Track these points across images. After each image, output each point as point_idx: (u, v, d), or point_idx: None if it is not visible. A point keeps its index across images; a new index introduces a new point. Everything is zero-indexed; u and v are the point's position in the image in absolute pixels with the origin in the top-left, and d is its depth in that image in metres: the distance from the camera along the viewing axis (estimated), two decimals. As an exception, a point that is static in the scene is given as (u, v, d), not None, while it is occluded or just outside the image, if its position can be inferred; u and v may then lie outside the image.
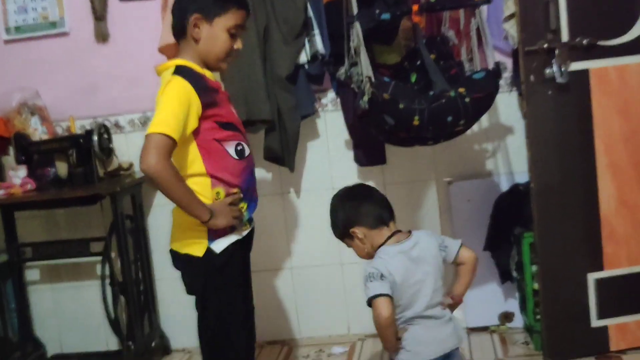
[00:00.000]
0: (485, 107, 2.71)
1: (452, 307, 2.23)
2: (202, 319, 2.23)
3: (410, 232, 2.23)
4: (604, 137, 2.87)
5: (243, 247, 2.27)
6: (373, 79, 2.58)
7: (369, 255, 2.21)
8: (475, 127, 3.26)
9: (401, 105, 2.53)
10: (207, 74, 2.23)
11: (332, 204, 2.30)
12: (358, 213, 2.21)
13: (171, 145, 2.04)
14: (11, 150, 3.42)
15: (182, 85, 2.10)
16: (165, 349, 3.58)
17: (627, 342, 2.96)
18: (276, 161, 3.29)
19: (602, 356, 2.93)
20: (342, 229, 2.23)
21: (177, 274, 2.27)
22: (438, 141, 2.80)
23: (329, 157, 3.45)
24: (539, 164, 2.86)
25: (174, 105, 2.06)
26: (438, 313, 2.15)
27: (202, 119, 2.12)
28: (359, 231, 2.19)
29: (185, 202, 2.08)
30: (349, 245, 2.27)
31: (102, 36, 3.44)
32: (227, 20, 2.17)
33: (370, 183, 3.41)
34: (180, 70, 2.15)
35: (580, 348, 2.94)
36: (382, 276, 2.08)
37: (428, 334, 2.13)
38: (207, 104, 2.12)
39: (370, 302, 2.09)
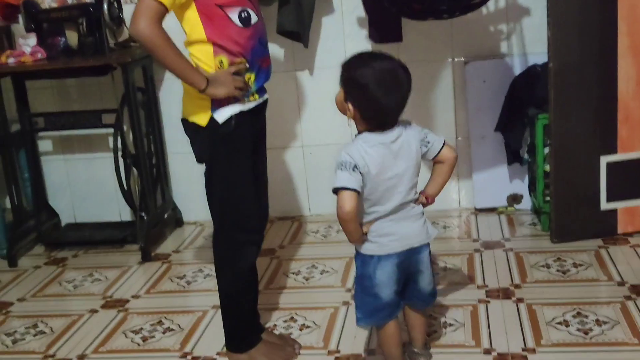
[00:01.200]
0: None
1: (424, 206, 2.12)
2: (210, 187, 2.24)
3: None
4: (627, 17, 2.79)
5: (254, 117, 2.24)
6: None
7: (341, 111, 2.04)
8: (493, 6, 3.18)
9: None
10: None
11: (371, 65, 1.95)
12: (369, 102, 1.95)
13: (162, 10, 1.99)
14: (20, 19, 3.36)
15: None
16: (178, 221, 3.65)
17: (635, 225, 2.99)
18: (290, 36, 3.23)
19: (609, 238, 2.97)
20: (346, 85, 1.98)
21: (189, 147, 2.26)
22: (453, 15, 2.72)
23: (343, 33, 3.38)
24: (558, 43, 2.79)
25: None
26: (409, 209, 2.06)
27: None
28: (353, 112, 1.98)
29: (178, 68, 2.04)
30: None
31: None
32: None
33: (385, 61, 3.36)
34: None
35: (587, 230, 2.98)
36: (355, 167, 1.94)
37: (394, 228, 2.03)
38: None
39: (335, 192, 1.97)
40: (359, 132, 2.02)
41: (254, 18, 2.14)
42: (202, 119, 2.14)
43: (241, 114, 2.16)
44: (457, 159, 2.11)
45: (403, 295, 2.13)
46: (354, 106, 1.96)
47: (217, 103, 2.12)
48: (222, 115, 2.13)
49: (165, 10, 2.00)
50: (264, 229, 2.41)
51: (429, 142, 2.04)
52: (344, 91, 1.99)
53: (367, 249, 2.04)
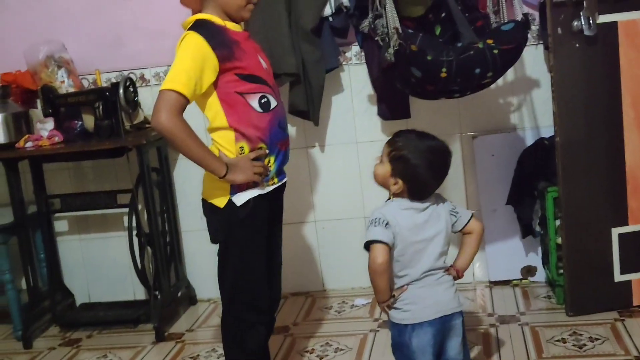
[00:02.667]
0: (513, 59, 2.68)
1: (454, 278, 2.18)
2: (222, 269, 2.26)
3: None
4: (631, 90, 2.84)
5: (271, 200, 2.28)
6: (400, 30, 2.55)
7: (379, 183, 2.15)
8: (500, 81, 3.24)
9: (429, 57, 2.51)
10: (230, 25, 2.22)
11: (424, 146, 2.09)
12: (421, 183, 2.08)
13: (182, 101, 2.06)
14: (38, 103, 3.46)
15: (195, 40, 2.10)
16: (192, 299, 3.65)
17: (650, 296, 2.97)
18: (301, 115, 3.30)
19: (625, 311, 2.94)
20: (398, 163, 2.09)
21: (203, 225, 2.30)
22: (464, 94, 2.78)
23: (353, 110, 3.45)
24: (564, 117, 2.83)
25: (186, 62, 2.08)
26: (440, 276, 2.12)
27: (221, 72, 2.12)
28: (401, 186, 2.09)
29: (198, 157, 2.10)
30: (381, 159, 2.14)
31: (127, -11, 3.45)
32: None
33: (394, 137, 3.42)
34: (197, 25, 2.16)
35: (602, 302, 2.96)
36: (387, 224, 2.04)
37: (426, 294, 2.08)
38: (223, 57, 2.12)
39: (367, 246, 2.07)
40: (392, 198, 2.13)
41: (273, 103, 2.20)
42: (220, 201, 2.18)
43: (259, 197, 2.20)
44: (484, 231, 2.23)
45: None
46: (403, 181, 2.07)
47: (237, 186, 2.17)
48: (241, 198, 2.17)
49: (186, 101, 2.07)
50: (275, 310, 2.41)
51: (457, 213, 2.17)
52: (392, 167, 2.09)
53: (401, 318, 2.09)
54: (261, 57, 2.27)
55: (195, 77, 2.07)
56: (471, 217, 2.19)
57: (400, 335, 2.10)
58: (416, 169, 2.06)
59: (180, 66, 2.08)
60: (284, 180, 2.31)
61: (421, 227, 2.09)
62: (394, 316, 2.11)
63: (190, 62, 2.07)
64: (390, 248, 2.04)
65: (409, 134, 2.17)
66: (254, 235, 2.21)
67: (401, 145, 2.10)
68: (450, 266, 2.19)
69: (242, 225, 2.18)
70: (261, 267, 2.26)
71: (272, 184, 2.24)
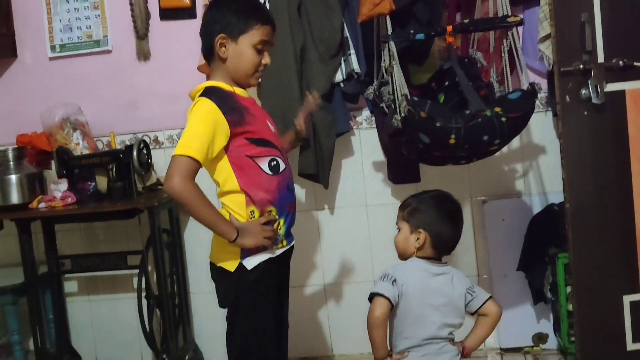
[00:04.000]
0: (521, 126, 2.72)
1: (460, 355, 2.18)
2: (231, 333, 2.25)
3: (446, 263, 2.21)
4: (639, 157, 2.85)
5: (280, 264, 2.29)
6: (409, 97, 2.60)
7: (400, 252, 2.21)
8: (509, 147, 3.27)
9: (438, 124, 2.54)
10: (238, 91, 2.28)
11: (432, 197, 2.22)
12: (441, 232, 2.15)
13: (195, 166, 2.10)
14: (53, 164, 3.50)
15: (207, 106, 2.15)
16: (199, 362, 3.62)
17: (664, 366, 2.92)
18: (311, 178, 3.33)
19: (638, 380, 2.90)
20: (414, 216, 2.17)
21: (212, 288, 2.31)
22: (471, 160, 2.80)
23: (363, 174, 3.48)
24: (573, 184, 2.85)
25: (199, 127, 2.12)
26: (442, 347, 2.12)
27: (232, 136, 2.16)
28: (424, 238, 2.14)
29: (210, 221, 2.12)
30: (398, 229, 2.21)
31: (143, 54, 3.53)
32: (252, 37, 2.21)
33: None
34: (207, 92, 2.21)
35: (615, 371, 2.92)
36: (394, 281, 2.08)
37: None
38: (234, 122, 2.16)
39: (370, 299, 2.10)
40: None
41: (282, 166, 2.24)
42: (230, 265, 2.19)
43: (269, 260, 2.20)
44: (501, 315, 2.20)
45: None
46: (425, 231, 2.13)
47: (247, 250, 2.18)
48: (251, 262, 2.18)
49: (199, 165, 2.11)
50: None
51: (474, 292, 2.18)
52: (410, 224, 2.16)
53: None
54: (269, 122, 2.32)
55: (208, 142, 2.11)
56: (488, 299, 2.19)
57: None
58: (434, 216, 2.15)
59: (193, 131, 2.12)
60: (292, 244, 2.32)
61: (431, 292, 2.10)
62: None
63: (203, 128, 2.11)
64: (392, 305, 2.06)
65: (417, 194, 2.27)
66: (263, 300, 2.21)
67: (412, 202, 2.21)
68: (460, 342, 2.18)
69: (252, 289, 2.18)
70: (270, 331, 2.25)
71: (281, 247, 2.25)
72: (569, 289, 2.99)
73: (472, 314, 2.18)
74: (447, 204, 2.22)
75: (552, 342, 3.31)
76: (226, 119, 2.14)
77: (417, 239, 2.14)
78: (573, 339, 2.97)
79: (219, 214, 2.15)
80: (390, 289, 2.06)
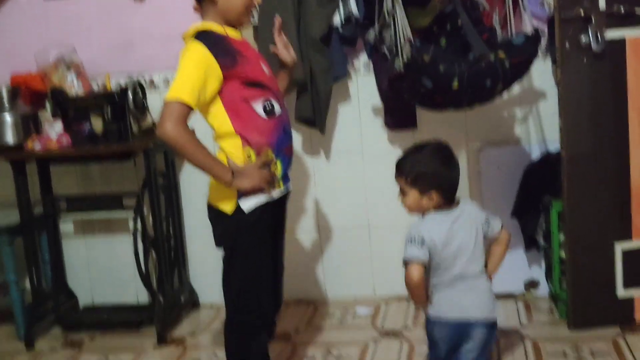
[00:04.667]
0: (524, 71, 2.70)
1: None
2: (227, 275, 2.27)
3: (458, 201, 2.28)
4: (637, 106, 2.85)
5: (277, 206, 2.29)
6: (413, 41, 2.57)
7: (415, 212, 2.27)
8: (507, 94, 3.25)
9: (442, 68, 2.52)
10: (231, 33, 2.25)
11: (426, 154, 2.25)
12: (448, 183, 2.23)
13: (187, 111, 2.09)
14: (47, 105, 3.48)
15: (198, 50, 2.13)
16: (194, 303, 3.66)
17: (653, 313, 2.97)
18: (307, 123, 3.31)
19: (627, 326, 2.94)
20: (420, 181, 2.21)
21: (208, 231, 2.31)
22: (472, 105, 2.79)
23: (360, 120, 3.46)
24: (570, 132, 2.84)
25: (190, 71, 2.11)
26: (473, 281, 2.23)
27: (225, 79, 2.15)
28: (435, 196, 2.21)
29: (204, 165, 2.12)
30: (403, 192, 2.26)
31: (138, -6, 3.47)
32: None
33: (400, 148, 3.43)
34: (199, 35, 2.19)
35: (604, 317, 2.96)
36: (422, 241, 2.17)
37: (453, 296, 2.22)
38: (226, 66, 2.15)
39: (405, 263, 2.21)
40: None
41: (277, 108, 2.23)
42: (227, 206, 2.20)
43: (265, 203, 2.21)
44: (510, 239, 2.35)
45: None
46: (435, 191, 2.20)
47: (244, 192, 2.18)
48: (248, 204, 2.19)
49: (190, 110, 2.10)
50: (277, 315, 2.42)
51: (489, 223, 2.29)
52: (418, 188, 2.21)
53: (430, 310, 2.26)
54: (263, 64, 2.30)
55: (200, 86, 2.10)
56: (502, 226, 2.32)
57: (427, 324, 2.29)
58: (437, 173, 2.21)
59: (184, 76, 2.11)
60: (289, 187, 2.33)
61: (453, 237, 2.20)
62: (427, 312, 2.29)
63: (194, 72, 2.10)
64: (426, 265, 2.18)
65: (408, 154, 2.31)
66: (260, 242, 2.22)
67: (412, 166, 2.24)
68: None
69: (249, 231, 2.19)
70: (267, 273, 2.28)
71: (278, 189, 2.25)
72: (561, 236, 3.01)
73: (488, 242, 2.31)
74: (443, 155, 2.26)
75: (543, 289, 3.35)
76: (218, 63, 2.13)
77: (430, 199, 2.21)
78: (564, 285, 3.01)
79: (214, 157, 2.15)
80: (421, 251, 2.17)
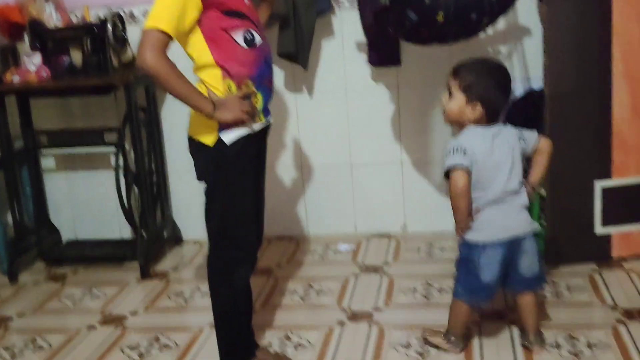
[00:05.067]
0: (509, 5, 2.66)
1: (529, 194, 2.33)
2: (209, 207, 2.27)
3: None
4: (622, 45, 2.84)
5: (258, 139, 2.28)
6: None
7: (453, 119, 2.28)
8: (493, 30, 3.22)
9: (427, 0, 2.49)
10: None
11: (488, 68, 2.28)
12: (496, 102, 2.24)
13: (166, 40, 2.06)
14: (26, 37, 3.41)
15: None
16: (177, 239, 3.68)
17: (629, 249, 3.02)
18: (289, 58, 3.28)
19: (603, 262, 2.99)
20: (472, 89, 2.22)
21: (190, 166, 2.30)
22: (458, 39, 2.76)
23: (343, 56, 3.43)
24: (554, 69, 2.84)
25: (169, 0, 2.07)
26: (513, 199, 2.27)
27: (204, 8, 2.11)
28: (480, 110, 2.22)
29: (184, 95, 2.10)
30: (450, 95, 2.26)
31: None
32: None
33: (384, 85, 3.42)
34: None
35: (582, 254, 3.00)
36: (465, 151, 2.19)
37: (499, 216, 2.25)
38: None
39: (448, 173, 2.22)
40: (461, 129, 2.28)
41: (257, 39, 2.19)
42: (208, 139, 2.18)
43: (247, 135, 2.20)
44: (552, 147, 2.36)
45: (505, 282, 2.32)
46: (481, 104, 2.21)
47: (225, 125, 2.15)
48: (229, 136, 2.17)
49: (169, 39, 2.06)
50: (259, 249, 2.43)
51: (524, 137, 2.31)
52: (466, 96, 2.23)
53: (475, 235, 2.26)
54: None
55: (178, 15, 2.06)
56: (538, 137, 2.33)
57: (470, 252, 2.28)
58: (490, 89, 2.22)
59: (163, 4, 2.06)
60: (270, 120, 2.31)
61: (493, 151, 2.23)
62: (468, 234, 2.27)
63: (172, 0, 2.06)
64: (470, 173, 2.19)
65: (469, 63, 2.31)
66: (241, 174, 2.22)
67: (468, 73, 2.25)
68: (526, 181, 2.32)
69: (230, 163, 2.18)
70: (249, 206, 2.27)
71: (259, 122, 2.24)
72: (542, 174, 3.03)
73: (529, 155, 2.33)
74: (502, 76, 2.28)
75: (522, 226, 3.38)
76: None
77: (473, 110, 2.22)
78: (543, 222, 3.05)
79: (194, 88, 2.12)
80: (465, 158, 2.18)
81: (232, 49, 2.13)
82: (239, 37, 2.14)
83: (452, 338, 2.38)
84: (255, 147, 2.26)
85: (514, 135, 2.29)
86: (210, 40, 2.13)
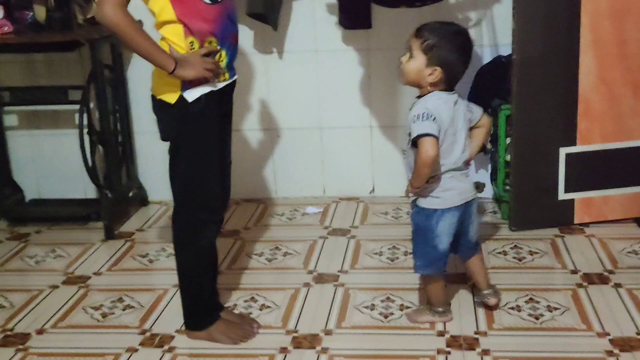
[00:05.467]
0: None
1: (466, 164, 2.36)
2: (173, 167, 2.24)
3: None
4: (590, 12, 2.85)
5: (222, 97, 2.25)
6: None
7: (410, 80, 2.25)
8: (463, -5, 3.22)
9: None
10: None
11: (451, 31, 2.23)
12: (456, 68, 2.20)
13: None
14: (-13, -9, 3.32)
15: None
16: (143, 200, 3.65)
17: (591, 215, 3.06)
18: (259, 18, 3.23)
19: (566, 228, 3.04)
20: (434, 51, 2.17)
21: (156, 127, 2.27)
22: (425, 3, 2.76)
23: (314, 17, 3.40)
24: (522, 35, 2.84)
25: None
26: (463, 166, 2.30)
27: None
28: (439, 74, 2.18)
29: (145, 51, 2.06)
30: (411, 55, 2.21)
31: None
32: None
33: (354, 48, 3.40)
34: None
35: (545, 219, 3.05)
36: (434, 118, 2.16)
37: (455, 183, 2.27)
38: None
39: (416, 141, 2.17)
40: (424, 94, 2.24)
41: None
42: (171, 97, 2.14)
43: (210, 93, 2.17)
44: (491, 124, 2.43)
45: (456, 248, 2.37)
46: (441, 71, 2.17)
47: (188, 82, 2.12)
48: (192, 94, 2.14)
49: None
50: (225, 209, 2.42)
51: (472, 110, 2.32)
52: (427, 57, 2.18)
53: (432, 203, 2.27)
54: None
55: None
56: (483, 112, 2.36)
57: (427, 220, 2.28)
58: (451, 53, 2.18)
59: None
60: (234, 78, 2.28)
61: (454, 118, 2.22)
62: (424, 203, 2.28)
63: None
64: (438, 140, 2.16)
65: (433, 24, 2.26)
66: (206, 133, 2.19)
67: (431, 35, 2.19)
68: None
69: (194, 122, 2.15)
70: (214, 163, 2.25)
71: (224, 80, 2.21)
72: (508, 140, 3.05)
73: (471, 127, 2.33)
74: (464, 40, 2.24)
75: (488, 192, 3.42)
76: None
77: (431, 74, 2.19)
78: (508, 187, 3.08)
79: (156, 44, 2.07)
80: (434, 126, 2.15)
81: (195, 4, 2.09)
82: None
83: (439, 309, 2.38)
84: (219, 105, 2.23)
85: (465, 105, 2.29)
86: None
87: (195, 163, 2.21)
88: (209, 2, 2.11)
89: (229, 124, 2.37)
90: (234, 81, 2.28)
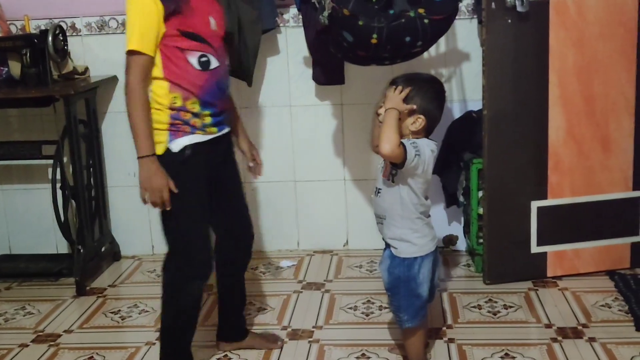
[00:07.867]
0: (444, 29, 2.72)
1: None
2: (161, 216, 2.26)
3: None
4: (558, 69, 2.92)
5: (212, 147, 2.27)
6: (335, -6, 2.56)
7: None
8: (433, 51, 3.29)
9: (360, 22, 2.53)
10: None
11: (427, 81, 2.29)
12: (435, 116, 2.25)
13: (149, 60, 2.13)
14: (-38, 47, 3.32)
15: None
16: (115, 255, 3.61)
17: (564, 269, 3.09)
18: (234, 74, 3.26)
19: (539, 281, 3.06)
20: (414, 100, 2.20)
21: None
22: (395, 62, 2.81)
23: (288, 73, 3.45)
24: (493, 91, 2.90)
25: (141, 19, 2.12)
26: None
27: (165, 23, 2.14)
28: (421, 122, 2.21)
29: (137, 128, 2.13)
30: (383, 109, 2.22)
31: None
32: None
33: (328, 103, 3.44)
34: None
35: (518, 272, 3.07)
36: (417, 151, 2.16)
37: (429, 229, 2.31)
38: (170, 12, 2.13)
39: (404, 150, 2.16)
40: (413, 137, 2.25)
41: (214, 63, 2.23)
42: (159, 148, 2.19)
43: (197, 144, 2.21)
44: None
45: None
46: (424, 118, 2.21)
47: (174, 134, 2.19)
48: (177, 145, 2.20)
49: (151, 59, 2.13)
50: (211, 264, 2.39)
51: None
52: (414, 105, 2.21)
53: (413, 252, 2.27)
54: (213, 18, 2.27)
55: (152, 32, 2.12)
56: None
57: (409, 270, 2.28)
58: (432, 103, 2.24)
59: (137, 23, 2.12)
60: (224, 131, 2.33)
61: (430, 165, 2.25)
62: (406, 251, 2.28)
63: (144, 19, 2.11)
64: (405, 160, 2.14)
65: (407, 75, 2.30)
66: (190, 184, 2.21)
67: (408, 85, 2.23)
68: None
69: (179, 171, 2.18)
70: (197, 215, 2.26)
71: (210, 134, 2.25)
72: (480, 193, 3.09)
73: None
74: (440, 89, 2.30)
75: (461, 244, 3.44)
76: (163, 6, 2.12)
77: (414, 122, 2.22)
78: (481, 241, 3.10)
79: (149, 129, 2.14)
80: (412, 151, 2.15)
81: (185, 69, 2.18)
82: (193, 58, 2.20)
83: None
84: (208, 156, 2.26)
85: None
86: (164, 55, 2.18)
87: (180, 214, 2.22)
88: (200, 68, 2.17)
89: (231, 171, 2.44)
90: (226, 134, 2.36)
